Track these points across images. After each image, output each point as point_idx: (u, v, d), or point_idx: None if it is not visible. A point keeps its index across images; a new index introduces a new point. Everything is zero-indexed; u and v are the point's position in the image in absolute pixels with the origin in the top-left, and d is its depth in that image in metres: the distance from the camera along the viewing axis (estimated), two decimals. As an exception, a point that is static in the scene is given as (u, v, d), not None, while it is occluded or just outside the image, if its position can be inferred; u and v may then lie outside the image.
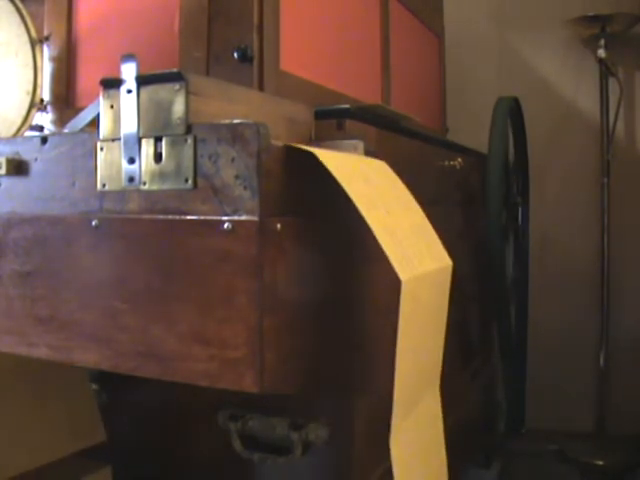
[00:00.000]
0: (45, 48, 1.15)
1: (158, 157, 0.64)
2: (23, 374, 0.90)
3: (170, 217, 0.63)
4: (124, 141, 0.66)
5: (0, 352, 0.74)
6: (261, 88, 0.95)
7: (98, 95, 0.68)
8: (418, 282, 0.68)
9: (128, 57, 0.65)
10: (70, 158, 0.70)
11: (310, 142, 0.86)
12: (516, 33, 2.13)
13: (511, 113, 1.64)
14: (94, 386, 0.98)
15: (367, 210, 0.64)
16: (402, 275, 0.63)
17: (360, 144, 0.82)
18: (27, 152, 0.73)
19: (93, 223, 0.67)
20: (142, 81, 0.65)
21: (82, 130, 0.81)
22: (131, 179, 0.66)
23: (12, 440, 0.88)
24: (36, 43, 1.10)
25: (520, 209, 1.81)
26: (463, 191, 1.55)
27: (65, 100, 1.15)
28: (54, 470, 0.91)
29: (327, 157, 0.65)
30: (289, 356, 0.65)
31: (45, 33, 1.15)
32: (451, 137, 1.90)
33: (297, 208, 0.66)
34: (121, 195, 0.66)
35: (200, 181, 0.62)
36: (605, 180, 1.97)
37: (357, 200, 0.64)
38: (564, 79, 2.08)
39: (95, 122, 0.72)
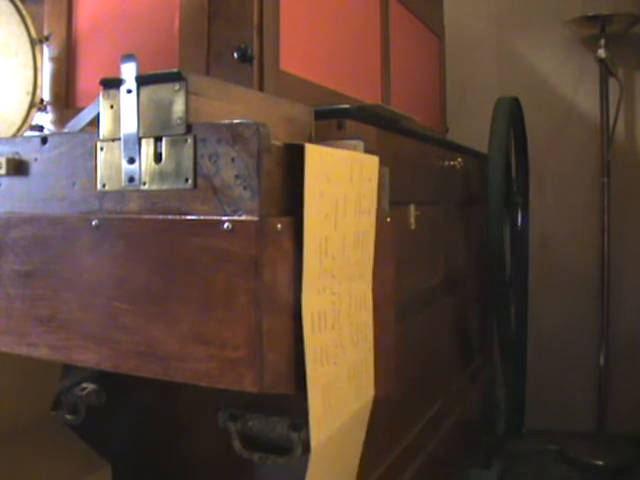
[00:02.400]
0: (45, 48, 1.15)
1: (158, 157, 0.64)
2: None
3: (170, 217, 0.63)
4: (124, 141, 0.66)
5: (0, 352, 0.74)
6: (261, 88, 0.95)
7: (98, 95, 0.68)
8: (332, 441, 0.70)
9: (128, 57, 0.65)
10: (70, 158, 0.70)
11: (310, 142, 0.86)
12: (516, 33, 2.13)
13: (511, 113, 1.64)
14: (94, 386, 0.98)
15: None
16: (313, 442, 0.65)
17: (360, 144, 0.82)
18: (27, 152, 0.73)
19: (93, 223, 0.67)
20: (142, 81, 0.65)
21: (82, 130, 0.81)
22: (131, 179, 0.65)
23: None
24: (36, 43, 1.10)
25: (520, 209, 1.81)
26: (463, 191, 1.55)
27: (65, 100, 1.15)
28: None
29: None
30: (289, 356, 0.65)
31: (45, 33, 1.14)
32: (451, 137, 1.90)
33: (297, 208, 0.66)
34: (121, 195, 0.66)
35: (200, 181, 0.62)
36: (605, 180, 1.97)
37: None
38: (564, 79, 2.08)
39: (95, 122, 0.72)
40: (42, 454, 0.92)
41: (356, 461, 0.83)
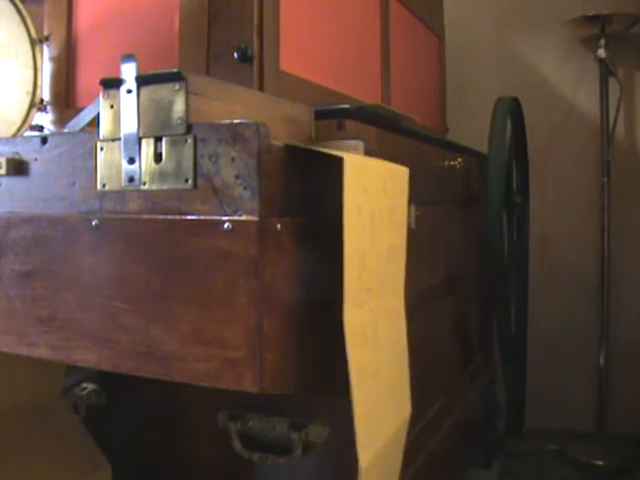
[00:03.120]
0: (45, 48, 1.15)
1: (158, 157, 0.64)
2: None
3: (170, 217, 0.63)
4: (124, 141, 0.66)
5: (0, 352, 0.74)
6: (261, 88, 0.95)
7: (98, 95, 0.68)
8: (377, 460, 0.70)
9: (128, 57, 0.65)
10: (70, 158, 0.70)
11: (310, 142, 0.86)
12: (516, 33, 2.13)
13: (511, 113, 1.64)
14: (94, 386, 0.98)
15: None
16: (362, 461, 0.65)
17: (360, 144, 0.82)
18: (27, 152, 0.73)
19: (93, 223, 0.67)
20: (142, 81, 0.65)
21: (82, 130, 0.81)
22: (131, 179, 0.66)
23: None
24: (36, 43, 1.10)
25: (520, 209, 1.81)
26: (463, 191, 1.55)
27: (65, 100, 1.15)
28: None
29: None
30: (289, 356, 0.65)
31: (45, 33, 1.14)
32: (451, 137, 1.90)
33: (297, 208, 0.66)
34: (121, 195, 0.66)
35: (200, 181, 0.62)
36: (605, 180, 1.97)
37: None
38: (564, 79, 2.08)
39: (95, 122, 0.72)
40: (43, 453, 0.93)
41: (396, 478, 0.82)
